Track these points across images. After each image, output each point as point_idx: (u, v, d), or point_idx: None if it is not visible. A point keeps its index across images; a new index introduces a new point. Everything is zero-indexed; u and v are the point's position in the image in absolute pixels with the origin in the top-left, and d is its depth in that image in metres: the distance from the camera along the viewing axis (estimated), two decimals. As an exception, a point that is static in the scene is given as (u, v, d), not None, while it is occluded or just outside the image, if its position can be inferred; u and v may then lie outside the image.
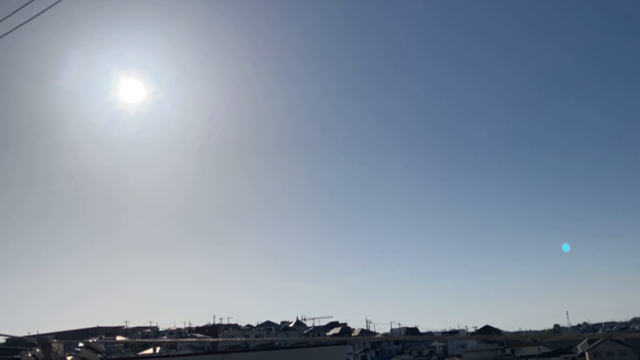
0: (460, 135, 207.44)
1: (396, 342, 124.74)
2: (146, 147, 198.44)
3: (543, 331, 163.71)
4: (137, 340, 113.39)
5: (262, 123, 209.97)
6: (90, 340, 9.32)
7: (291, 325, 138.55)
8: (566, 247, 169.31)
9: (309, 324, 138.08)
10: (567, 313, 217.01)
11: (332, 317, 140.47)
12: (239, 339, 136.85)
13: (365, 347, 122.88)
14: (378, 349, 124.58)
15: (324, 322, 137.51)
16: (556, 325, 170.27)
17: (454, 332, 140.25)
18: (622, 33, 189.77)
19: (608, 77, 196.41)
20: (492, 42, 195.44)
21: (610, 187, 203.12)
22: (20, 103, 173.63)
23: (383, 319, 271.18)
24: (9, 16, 9.36)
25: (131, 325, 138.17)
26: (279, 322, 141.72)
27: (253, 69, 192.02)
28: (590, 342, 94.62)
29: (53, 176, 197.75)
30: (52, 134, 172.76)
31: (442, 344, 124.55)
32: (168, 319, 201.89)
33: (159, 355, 52.28)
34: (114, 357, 50.74)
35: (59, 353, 8.50)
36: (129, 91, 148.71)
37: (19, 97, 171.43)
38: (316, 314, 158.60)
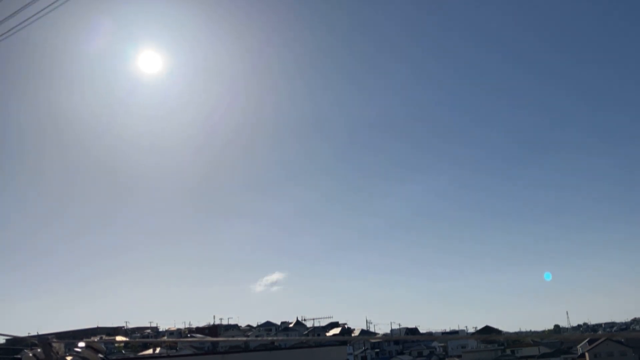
0: (459, 134, 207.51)
1: (396, 343, 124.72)
2: (152, 133, 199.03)
3: (543, 331, 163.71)
4: (137, 340, 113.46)
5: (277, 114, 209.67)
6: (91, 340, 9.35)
7: (291, 325, 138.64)
8: (548, 276, 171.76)
9: (309, 324, 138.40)
10: (567, 313, 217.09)
11: (332, 317, 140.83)
12: (239, 339, 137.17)
13: (366, 347, 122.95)
14: (378, 349, 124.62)
15: (324, 323, 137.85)
16: (556, 326, 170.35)
17: (454, 333, 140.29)
18: (623, 29, 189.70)
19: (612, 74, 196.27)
20: (493, 43, 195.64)
21: (612, 186, 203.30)
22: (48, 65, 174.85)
23: (383, 319, 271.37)
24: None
25: (131, 325, 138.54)
26: (279, 323, 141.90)
27: (263, 59, 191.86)
28: (590, 342, 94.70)
29: (58, 168, 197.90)
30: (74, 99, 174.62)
31: (442, 344, 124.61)
32: (168, 320, 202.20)
33: (159, 356, 52.35)
34: (114, 357, 50.82)
35: (59, 353, 8.52)
36: (149, 62, 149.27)
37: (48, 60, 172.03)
38: (316, 315, 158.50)
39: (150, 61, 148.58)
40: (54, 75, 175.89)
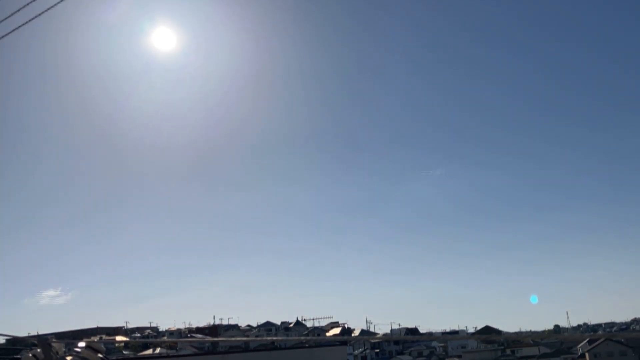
0: (459, 133, 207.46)
1: (396, 343, 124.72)
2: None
3: (543, 331, 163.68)
4: (137, 340, 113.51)
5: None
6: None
7: (291, 325, 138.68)
8: (534, 299, 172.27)
9: (309, 324, 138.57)
10: (567, 313, 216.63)
11: (332, 317, 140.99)
12: (239, 339, 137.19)
13: (366, 347, 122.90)
14: (378, 350, 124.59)
15: (324, 323, 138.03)
16: (556, 326, 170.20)
17: (454, 333, 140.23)
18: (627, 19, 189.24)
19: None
20: (496, 37, 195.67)
21: (612, 186, 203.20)
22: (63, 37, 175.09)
23: (383, 319, 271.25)
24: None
25: (131, 325, 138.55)
26: (279, 323, 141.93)
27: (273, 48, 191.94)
28: (590, 342, 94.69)
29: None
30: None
31: (442, 344, 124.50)
32: (168, 319, 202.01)
33: (159, 356, 52.28)
34: (114, 357, 50.75)
35: (59, 353, 8.51)
36: (164, 39, 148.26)
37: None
38: (316, 315, 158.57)
39: (163, 39, 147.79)
40: (67, 46, 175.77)
